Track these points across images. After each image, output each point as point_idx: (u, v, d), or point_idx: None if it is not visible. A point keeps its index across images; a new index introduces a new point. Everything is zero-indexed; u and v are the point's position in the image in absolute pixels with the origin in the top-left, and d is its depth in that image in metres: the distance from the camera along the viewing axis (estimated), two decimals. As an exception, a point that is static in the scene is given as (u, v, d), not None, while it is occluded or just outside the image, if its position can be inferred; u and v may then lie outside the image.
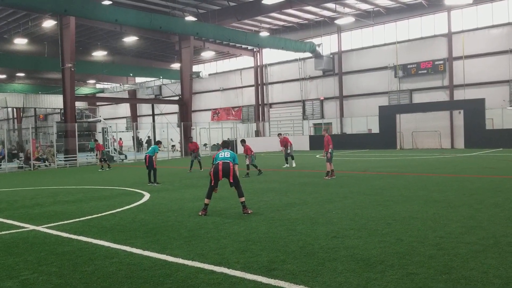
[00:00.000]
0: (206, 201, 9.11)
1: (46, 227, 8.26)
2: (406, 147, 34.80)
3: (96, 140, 26.45)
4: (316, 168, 19.22)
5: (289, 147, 20.61)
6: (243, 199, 9.06)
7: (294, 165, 20.44)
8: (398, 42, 36.20)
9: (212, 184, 9.09)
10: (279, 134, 22.66)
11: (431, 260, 5.39)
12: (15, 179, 20.58)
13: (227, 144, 9.93)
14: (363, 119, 37.39)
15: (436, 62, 34.23)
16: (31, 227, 8.38)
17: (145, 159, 15.70)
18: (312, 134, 40.31)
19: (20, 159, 28.72)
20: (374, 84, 37.60)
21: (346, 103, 39.63)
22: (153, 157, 15.26)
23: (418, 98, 35.46)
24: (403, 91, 36.18)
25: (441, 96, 34.30)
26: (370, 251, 5.87)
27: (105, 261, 5.87)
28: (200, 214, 8.96)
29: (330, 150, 15.22)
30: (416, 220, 7.66)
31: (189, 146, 21.59)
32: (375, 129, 35.78)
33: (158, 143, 17.02)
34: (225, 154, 9.28)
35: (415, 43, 35.61)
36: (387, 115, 34.30)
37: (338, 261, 5.48)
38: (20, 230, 8.17)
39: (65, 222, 8.75)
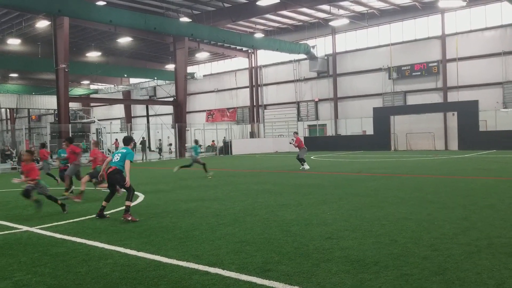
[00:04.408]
0: (104, 203, 9.02)
1: (40, 228, 8.20)
2: (400, 148, 34.94)
3: (42, 146, 24.21)
4: (311, 170, 19.20)
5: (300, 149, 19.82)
6: (128, 203, 8.59)
7: (307, 167, 19.33)
8: (392, 44, 36.36)
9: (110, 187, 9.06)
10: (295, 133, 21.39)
11: (425, 261, 5.41)
12: (8, 180, 20.42)
13: (128, 141, 9.11)
14: (357, 121, 37.50)
15: (430, 64, 34.41)
16: (25, 228, 8.31)
17: None
18: (306, 135, 40.37)
19: (13, 160, 28.51)
20: (369, 86, 37.73)
21: (340, 104, 39.73)
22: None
23: (412, 100, 35.63)
24: (397, 93, 36.32)
25: (435, 98, 34.47)
26: (364, 252, 5.88)
27: (99, 262, 5.85)
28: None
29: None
30: (411, 221, 7.68)
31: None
32: (370, 131, 35.88)
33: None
34: (116, 157, 8.80)
35: (409, 45, 35.79)
36: (381, 117, 34.43)
37: (333, 262, 5.48)
38: (13, 231, 8.11)
39: (59, 223, 8.70)
